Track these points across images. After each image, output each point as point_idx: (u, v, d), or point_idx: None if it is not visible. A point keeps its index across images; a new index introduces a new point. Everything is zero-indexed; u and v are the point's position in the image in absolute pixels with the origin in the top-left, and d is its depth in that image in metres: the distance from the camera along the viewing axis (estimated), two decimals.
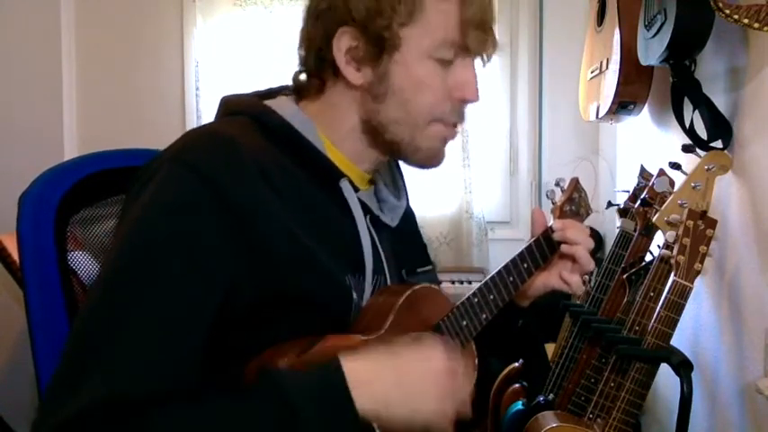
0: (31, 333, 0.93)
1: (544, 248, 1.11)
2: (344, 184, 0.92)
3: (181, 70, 2.70)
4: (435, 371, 0.80)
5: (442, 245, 2.65)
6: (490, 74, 2.69)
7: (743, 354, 1.35)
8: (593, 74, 1.98)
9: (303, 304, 0.84)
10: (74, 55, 2.68)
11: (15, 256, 2.03)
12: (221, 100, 0.95)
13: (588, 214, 1.25)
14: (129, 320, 0.73)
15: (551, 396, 1.61)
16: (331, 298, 0.87)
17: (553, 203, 1.22)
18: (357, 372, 0.75)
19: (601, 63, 1.90)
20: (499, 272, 1.07)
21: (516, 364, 1.80)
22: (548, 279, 1.12)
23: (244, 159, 0.81)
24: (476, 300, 1.03)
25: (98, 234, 1.04)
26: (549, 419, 1.38)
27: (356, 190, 0.94)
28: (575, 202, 1.23)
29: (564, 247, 1.09)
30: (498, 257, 2.66)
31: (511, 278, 1.07)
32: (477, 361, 1.04)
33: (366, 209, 0.96)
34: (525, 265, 1.08)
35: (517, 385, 1.72)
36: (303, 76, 0.96)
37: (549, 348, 1.92)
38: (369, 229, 0.96)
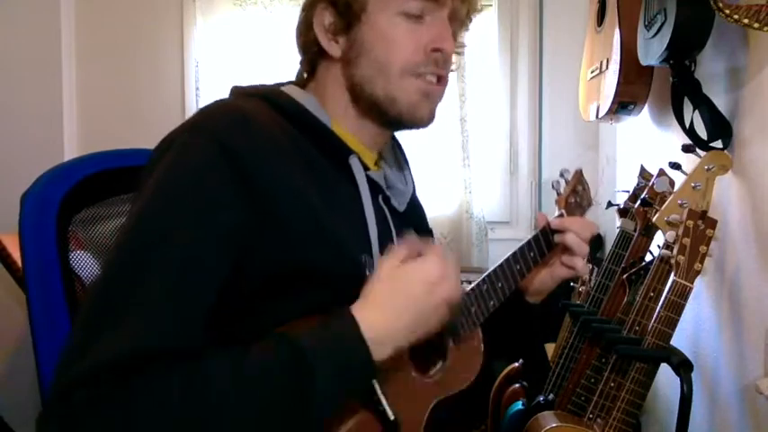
0: (33, 333, 0.93)
1: (549, 237, 1.13)
2: (354, 161, 0.94)
3: (181, 70, 2.70)
4: (432, 290, 0.83)
5: (441, 245, 2.64)
6: (490, 74, 2.69)
7: (743, 354, 1.35)
8: (593, 74, 1.98)
9: (317, 279, 0.85)
10: (74, 55, 2.68)
11: (16, 256, 2.03)
12: (231, 89, 0.98)
13: (590, 206, 1.26)
14: (143, 279, 0.74)
15: (551, 396, 1.62)
16: (345, 274, 0.87)
17: (558, 194, 1.23)
18: (369, 322, 0.79)
19: (601, 63, 1.91)
20: (507, 260, 1.09)
21: (516, 364, 1.80)
22: (553, 271, 1.15)
23: (257, 129, 0.84)
24: (485, 287, 1.05)
25: (100, 234, 1.04)
26: (549, 419, 1.38)
27: (366, 168, 0.97)
28: (578, 194, 1.24)
29: (557, 237, 1.12)
30: (498, 257, 2.65)
31: (518, 266, 1.09)
32: (483, 347, 1.05)
33: (378, 188, 0.99)
34: (532, 254, 1.11)
35: (517, 385, 1.72)
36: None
37: (549, 348, 1.92)
38: (382, 208, 0.99)
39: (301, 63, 1.01)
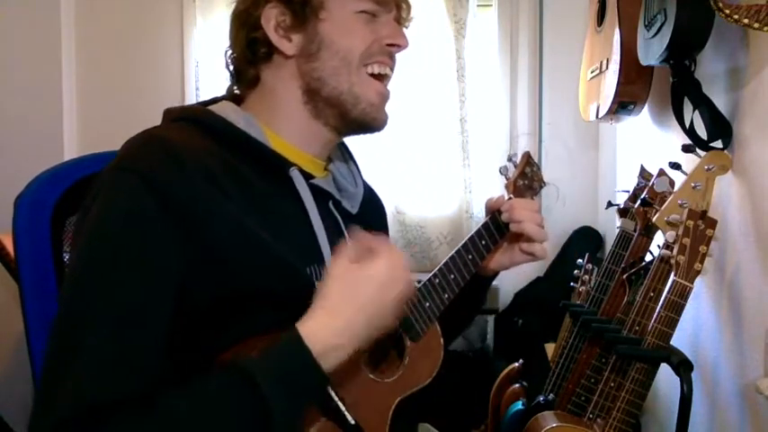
0: (27, 334, 0.94)
1: (500, 224, 1.15)
2: (294, 173, 0.94)
3: (181, 70, 2.70)
4: (384, 289, 0.83)
5: (442, 245, 2.64)
6: (490, 74, 2.69)
7: (743, 354, 1.34)
8: (593, 74, 1.98)
9: (263, 300, 0.85)
10: (74, 55, 2.68)
11: None
12: (164, 111, 0.98)
13: (542, 187, 1.29)
14: (85, 332, 0.75)
15: (551, 396, 1.61)
16: (291, 290, 0.87)
17: (507, 179, 1.26)
18: (317, 336, 0.78)
19: (601, 63, 1.90)
20: (458, 251, 1.10)
21: (516, 364, 1.80)
22: (512, 257, 1.17)
23: (183, 159, 0.83)
24: (437, 281, 1.06)
25: None
26: (549, 419, 1.38)
27: (311, 177, 0.96)
28: (527, 177, 1.27)
29: (512, 227, 1.14)
30: None
31: (470, 256, 1.11)
32: (442, 340, 1.06)
33: (327, 195, 0.99)
34: (483, 243, 1.13)
35: (517, 385, 1.72)
36: (236, 87, 1.01)
37: (549, 348, 1.92)
38: (333, 213, 0.99)
39: (237, 75, 1.01)
